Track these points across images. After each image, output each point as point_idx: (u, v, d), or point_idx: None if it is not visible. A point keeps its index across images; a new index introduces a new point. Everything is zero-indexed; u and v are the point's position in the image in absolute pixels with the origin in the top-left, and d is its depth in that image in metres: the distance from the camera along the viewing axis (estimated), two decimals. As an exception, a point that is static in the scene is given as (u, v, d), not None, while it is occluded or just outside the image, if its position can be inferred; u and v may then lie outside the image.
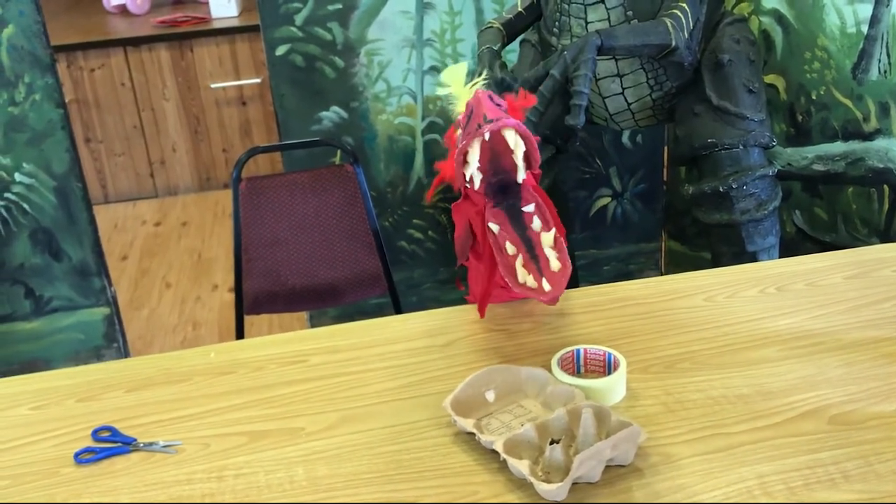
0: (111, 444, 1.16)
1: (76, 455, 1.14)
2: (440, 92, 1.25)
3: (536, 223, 1.22)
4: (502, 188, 1.23)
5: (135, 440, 1.16)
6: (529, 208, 1.22)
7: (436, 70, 2.49)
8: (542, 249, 1.18)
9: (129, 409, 1.23)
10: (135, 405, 1.24)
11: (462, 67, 1.26)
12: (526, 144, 1.17)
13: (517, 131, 1.15)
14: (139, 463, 1.13)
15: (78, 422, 1.21)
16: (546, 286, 1.14)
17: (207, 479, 1.09)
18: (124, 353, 2.64)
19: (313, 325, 2.69)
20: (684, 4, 1.87)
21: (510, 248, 1.20)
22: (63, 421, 1.22)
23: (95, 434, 1.18)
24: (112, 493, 1.08)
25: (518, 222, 1.21)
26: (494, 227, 1.22)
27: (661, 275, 2.74)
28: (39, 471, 1.12)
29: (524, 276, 1.17)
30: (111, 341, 2.61)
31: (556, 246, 1.19)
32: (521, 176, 1.20)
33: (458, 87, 1.27)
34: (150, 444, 1.16)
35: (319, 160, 2.47)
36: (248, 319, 2.84)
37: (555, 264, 1.17)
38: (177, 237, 3.62)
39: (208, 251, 3.48)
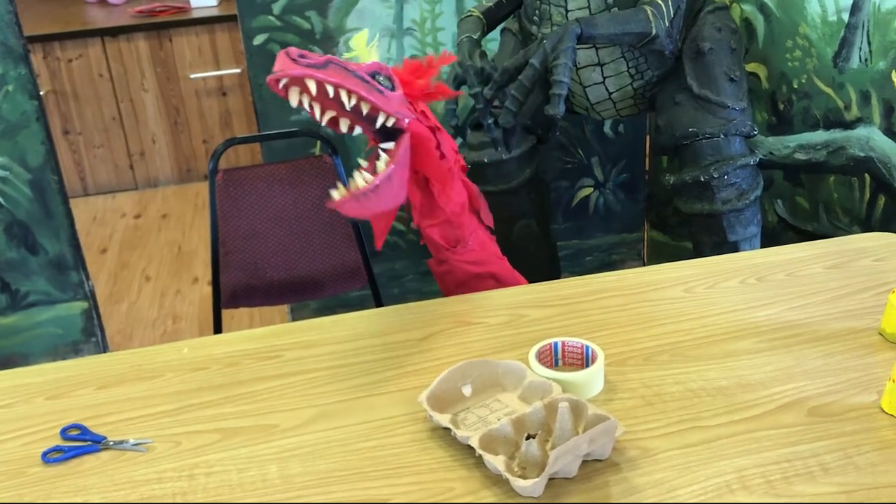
0: (80, 442, 1.14)
1: (44, 454, 1.12)
2: (346, 55, 1.35)
3: (382, 159, 1.30)
4: (389, 132, 1.34)
5: (104, 438, 1.14)
6: (388, 145, 1.32)
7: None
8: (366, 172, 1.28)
9: (99, 407, 1.21)
10: (105, 402, 1.22)
11: (364, 34, 1.38)
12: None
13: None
14: (109, 462, 1.11)
15: (46, 420, 1.19)
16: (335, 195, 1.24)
17: (178, 477, 1.07)
18: (103, 347, 2.61)
19: (294, 319, 2.67)
20: (665, -8, 1.86)
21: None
22: (31, 419, 1.19)
23: (64, 433, 1.16)
24: (81, 493, 1.06)
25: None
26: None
27: (644, 265, 2.74)
28: (6, 471, 1.10)
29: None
30: (90, 336, 2.58)
31: (378, 174, 1.27)
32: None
33: (361, 49, 1.37)
34: (121, 442, 1.14)
35: (299, 151, 2.45)
36: (228, 313, 2.81)
37: (360, 182, 1.25)
38: (157, 230, 3.59)
39: (188, 244, 3.45)
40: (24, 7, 2.35)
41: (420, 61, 1.40)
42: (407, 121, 1.33)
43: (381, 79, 1.31)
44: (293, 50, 1.22)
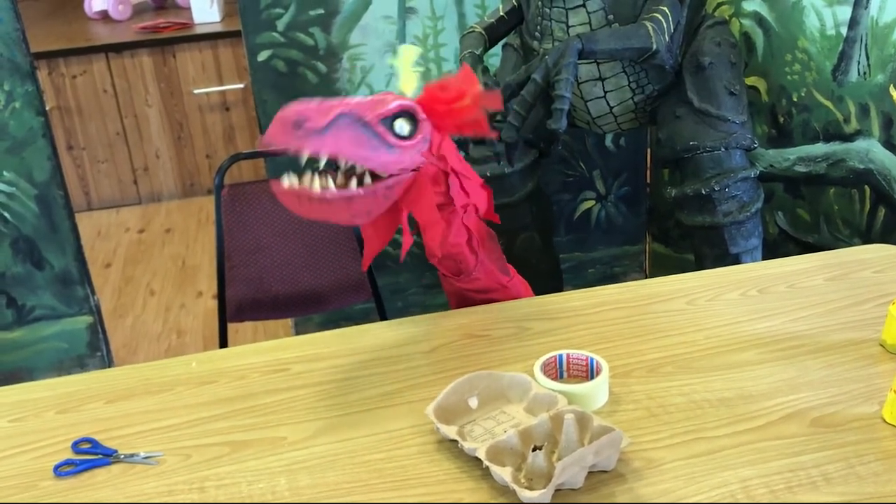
0: (91, 456, 1.15)
1: (56, 468, 1.13)
2: (389, 61, 1.29)
3: (367, 177, 1.25)
4: None
5: (115, 452, 1.15)
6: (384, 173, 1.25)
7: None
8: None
9: (109, 421, 1.22)
10: (115, 416, 1.23)
11: (416, 50, 1.31)
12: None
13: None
14: (120, 475, 1.12)
15: (57, 434, 1.20)
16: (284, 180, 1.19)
17: (189, 490, 1.09)
18: (108, 362, 2.63)
19: (298, 332, 2.68)
20: (665, 8, 1.88)
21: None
22: (42, 433, 1.21)
23: (75, 446, 1.17)
24: (92, 506, 1.07)
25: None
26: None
27: (646, 277, 2.75)
28: (18, 485, 1.11)
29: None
30: (95, 350, 2.59)
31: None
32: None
33: (406, 67, 1.30)
34: (131, 455, 1.15)
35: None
36: (232, 327, 2.82)
37: (315, 186, 1.20)
38: (161, 244, 3.61)
39: (192, 258, 3.47)
40: (29, 24, 2.37)
41: (467, 85, 1.27)
42: (412, 170, 1.28)
43: (401, 122, 1.23)
44: (291, 114, 1.14)
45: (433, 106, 1.28)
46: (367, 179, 1.24)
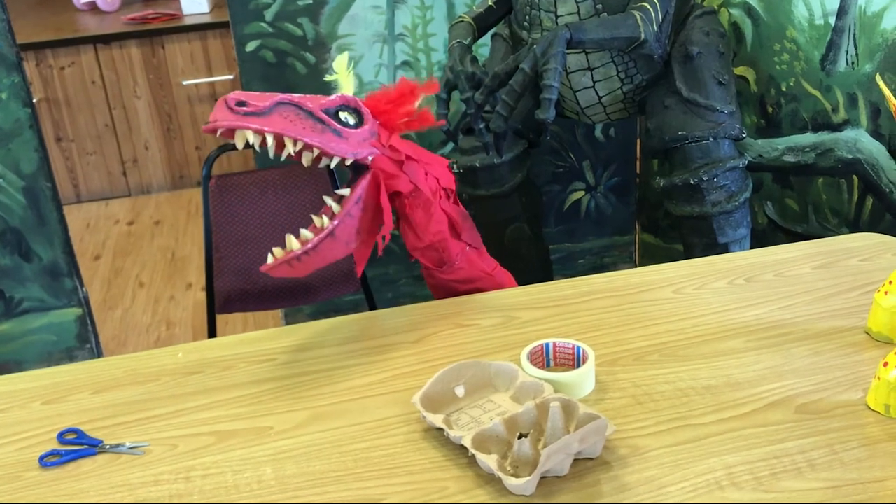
0: (77, 446, 1.15)
1: (41, 458, 1.13)
2: (327, 78, 1.33)
3: (333, 205, 1.30)
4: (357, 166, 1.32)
5: (101, 442, 1.15)
6: (344, 192, 1.30)
7: (408, 65, 2.48)
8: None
9: (95, 411, 1.22)
10: (101, 407, 1.23)
11: (344, 57, 1.36)
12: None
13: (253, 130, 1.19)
14: (105, 465, 1.12)
15: (43, 424, 1.20)
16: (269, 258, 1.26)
17: (175, 480, 1.08)
18: (97, 353, 2.62)
19: (288, 324, 2.67)
20: (653, -3, 1.87)
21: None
22: (28, 424, 1.20)
23: (61, 437, 1.17)
24: (78, 496, 1.06)
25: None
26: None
27: (636, 267, 2.75)
28: (3, 475, 1.11)
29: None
30: (84, 342, 2.58)
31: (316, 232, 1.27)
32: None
33: (343, 74, 1.35)
34: (117, 445, 1.15)
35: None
36: (222, 318, 2.82)
37: (293, 244, 1.26)
38: (150, 236, 3.59)
39: (182, 250, 3.46)
40: (17, 15, 2.36)
41: (406, 85, 1.35)
42: (370, 158, 1.30)
43: (345, 115, 1.27)
44: (233, 97, 1.18)
45: (377, 106, 1.33)
46: (335, 208, 1.29)
